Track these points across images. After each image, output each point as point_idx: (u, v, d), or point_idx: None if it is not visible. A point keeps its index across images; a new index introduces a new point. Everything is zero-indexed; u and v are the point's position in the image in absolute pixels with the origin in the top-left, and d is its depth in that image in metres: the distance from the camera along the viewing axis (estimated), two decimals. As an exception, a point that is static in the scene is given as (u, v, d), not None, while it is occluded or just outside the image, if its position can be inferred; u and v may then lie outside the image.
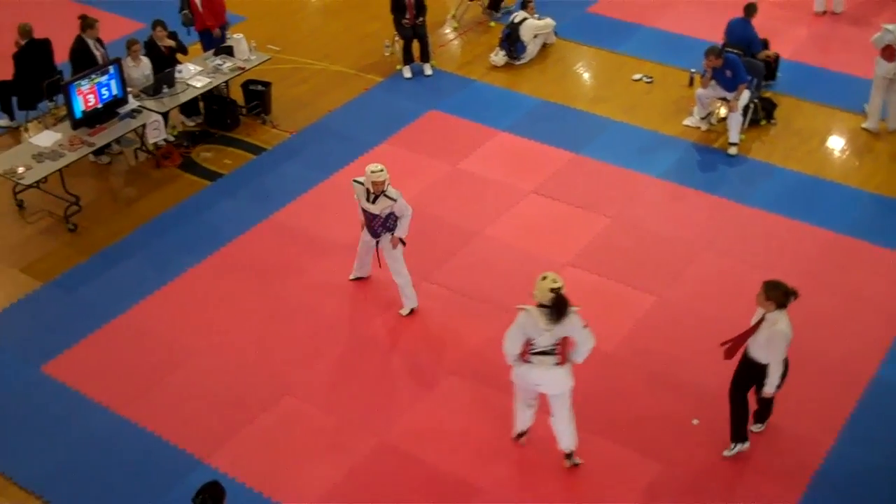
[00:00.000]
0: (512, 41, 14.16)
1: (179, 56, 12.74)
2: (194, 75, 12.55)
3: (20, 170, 10.84)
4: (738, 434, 8.26)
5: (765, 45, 13.18)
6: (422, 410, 8.87)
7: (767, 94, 13.06)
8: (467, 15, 15.65)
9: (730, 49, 12.41)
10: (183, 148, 12.57)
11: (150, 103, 12.04)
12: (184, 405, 8.94)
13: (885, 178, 11.79)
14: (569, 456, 8.19)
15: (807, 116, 12.98)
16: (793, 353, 7.91)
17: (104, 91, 11.51)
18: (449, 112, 13.20)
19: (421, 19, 13.87)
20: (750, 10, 12.87)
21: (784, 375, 7.84)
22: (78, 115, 11.35)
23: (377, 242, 9.64)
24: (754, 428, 8.46)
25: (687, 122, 12.84)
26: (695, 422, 8.64)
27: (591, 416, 8.29)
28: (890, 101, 12.45)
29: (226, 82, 12.85)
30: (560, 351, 7.61)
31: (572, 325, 7.52)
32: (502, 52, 14.28)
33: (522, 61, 14.29)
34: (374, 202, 9.28)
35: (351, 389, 9.10)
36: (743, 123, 12.34)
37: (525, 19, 14.22)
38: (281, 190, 11.74)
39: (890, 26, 12.10)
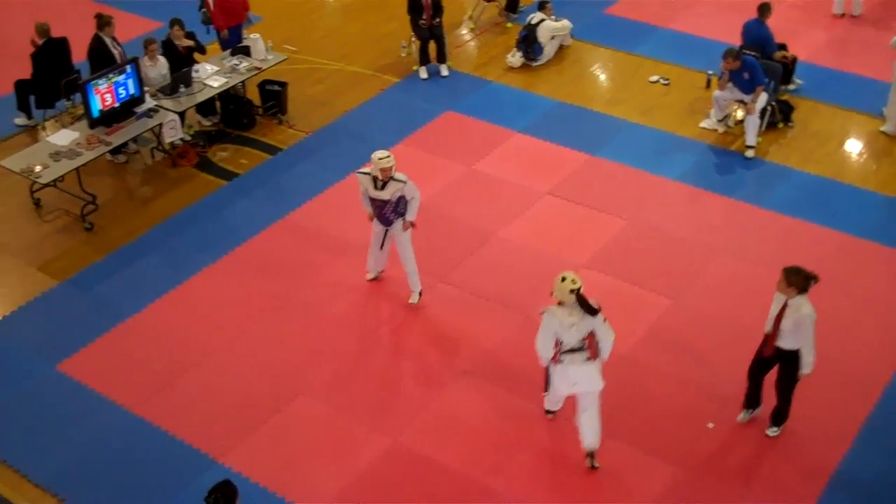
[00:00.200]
0: (529, 42, 14.13)
1: (197, 56, 12.79)
2: (211, 75, 12.58)
3: (37, 168, 10.89)
4: (752, 401, 8.51)
5: (782, 47, 13.12)
6: (435, 411, 8.86)
7: (785, 97, 13.01)
8: (484, 16, 15.64)
9: (747, 51, 12.36)
10: (199, 147, 12.60)
11: (166, 103, 12.08)
12: (198, 404, 8.96)
13: (902, 181, 11.74)
14: (590, 455, 8.19)
15: (824, 119, 12.91)
16: (809, 357, 7.96)
17: (121, 90, 11.56)
18: (465, 113, 13.19)
19: (438, 20, 13.87)
20: (763, 9, 12.79)
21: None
22: (95, 114, 11.41)
23: (387, 231, 9.66)
24: (770, 432, 8.45)
25: (704, 124, 12.78)
26: (710, 425, 8.60)
27: (606, 418, 8.24)
28: (908, 105, 12.38)
29: (242, 82, 12.88)
30: (589, 345, 7.76)
31: (594, 319, 7.69)
32: (519, 54, 14.26)
33: (539, 63, 14.27)
34: (382, 188, 9.30)
35: (365, 390, 9.09)
36: (760, 126, 12.29)
37: (542, 21, 14.20)
38: (296, 190, 11.76)
39: (909, 29, 12.05)
